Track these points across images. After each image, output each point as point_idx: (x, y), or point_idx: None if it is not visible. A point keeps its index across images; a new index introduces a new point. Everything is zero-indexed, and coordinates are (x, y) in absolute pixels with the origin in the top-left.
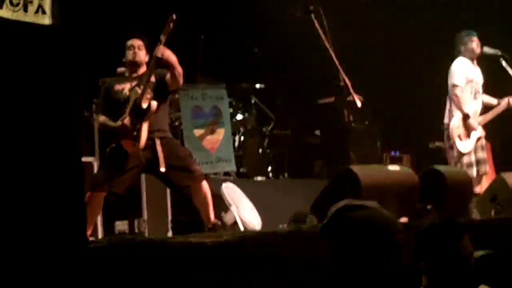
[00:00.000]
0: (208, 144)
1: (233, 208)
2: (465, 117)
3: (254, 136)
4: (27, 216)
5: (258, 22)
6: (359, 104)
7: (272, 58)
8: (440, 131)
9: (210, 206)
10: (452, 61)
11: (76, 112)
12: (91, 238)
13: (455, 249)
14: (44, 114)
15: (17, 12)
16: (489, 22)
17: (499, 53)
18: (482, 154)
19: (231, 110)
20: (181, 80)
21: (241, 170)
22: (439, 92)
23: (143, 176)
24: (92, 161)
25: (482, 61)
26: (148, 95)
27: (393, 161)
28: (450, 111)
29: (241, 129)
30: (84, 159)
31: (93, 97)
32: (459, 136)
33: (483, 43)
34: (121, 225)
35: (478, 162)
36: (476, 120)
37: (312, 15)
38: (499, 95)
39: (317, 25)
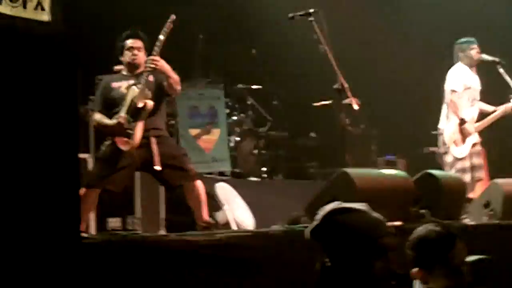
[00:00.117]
0: (203, 144)
1: (226, 208)
2: (462, 122)
3: (250, 137)
4: (23, 211)
5: (257, 24)
6: (356, 107)
7: (270, 60)
8: (435, 136)
9: (204, 205)
10: (450, 67)
11: (74, 109)
12: (84, 234)
13: (448, 257)
14: (42, 111)
15: (16, 8)
16: (487, 29)
17: (497, 60)
18: (477, 160)
19: (227, 110)
20: (178, 87)
21: (236, 170)
22: (435, 98)
23: (137, 174)
24: (87, 157)
25: (480, 68)
26: (147, 94)
27: (388, 165)
28: (447, 116)
29: (237, 130)
30: (79, 155)
31: (89, 94)
32: (455, 142)
33: (481, 50)
34: (114, 222)
35: (473, 168)
36: (473, 126)
37: (312, 18)
38: (496, 102)
39: (316, 28)
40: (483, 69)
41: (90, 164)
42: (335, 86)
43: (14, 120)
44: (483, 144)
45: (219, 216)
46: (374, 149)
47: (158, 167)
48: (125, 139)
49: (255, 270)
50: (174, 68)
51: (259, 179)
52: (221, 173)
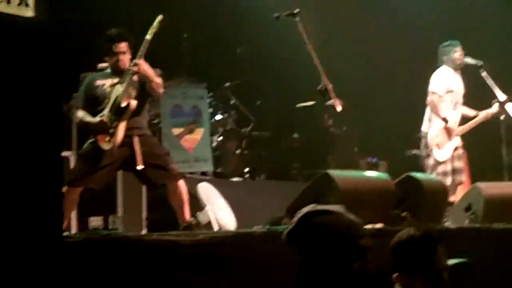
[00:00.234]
0: (186, 143)
1: (208, 208)
2: (444, 121)
3: (233, 137)
4: (5, 208)
5: (242, 23)
6: (339, 108)
7: (254, 60)
8: (417, 139)
9: (186, 205)
10: (433, 70)
11: (57, 106)
12: (65, 233)
13: (430, 262)
14: (26, 108)
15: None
16: (472, 32)
17: (480, 63)
18: (459, 164)
19: (210, 110)
20: (160, 90)
21: (218, 170)
22: (418, 100)
23: (119, 172)
24: (69, 155)
25: (464, 72)
26: (130, 94)
27: (370, 167)
28: (429, 119)
29: (220, 130)
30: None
31: (72, 91)
32: (437, 145)
33: (465, 53)
34: (95, 221)
35: (454, 171)
36: (456, 129)
37: (297, 18)
38: (480, 106)
39: (301, 28)
40: (469, 73)
41: (72, 162)
42: (319, 87)
43: None
44: (465, 148)
45: (201, 216)
46: (357, 151)
47: (140, 166)
48: (108, 138)
49: (237, 270)
50: (157, 66)
51: (241, 179)
52: (204, 173)
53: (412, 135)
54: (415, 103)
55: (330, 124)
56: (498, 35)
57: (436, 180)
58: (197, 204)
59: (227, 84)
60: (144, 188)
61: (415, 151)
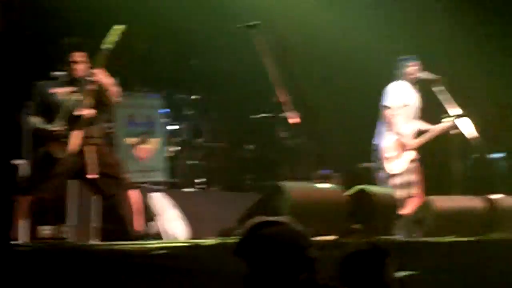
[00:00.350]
0: (140, 153)
1: (159, 218)
2: (398, 138)
3: (187, 147)
4: None
5: (197, 34)
6: (293, 121)
7: (209, 71)
8: (370, 152)
9: (137, 215)
10: (388, 83)
11: (9, 115)
12: (14, 242)
13: (378, 275)
14: None
15: None
16: (430, 47)
17: (434, 78)
18: (411, 177)
19: (165, 120)
20: (117, 99)
21: (171, 180)
22: (372, 114)
23: (70, 181)
24: (21, 164)
25: (423, 86)
26: (85, 102)
27: (323, 179)
28: (381, 133)
29: (174, 140)
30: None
31: (25, 99)
32: (389, 158)
33: (423, 68)
34: (45, 230)
35: (406, 185)
36: (410, 143)
37: (255, 30)
38: (437, 120)
39: (259, 40)
40: (428, 87)
41: (23, 171)
42: (275, 99)
43: None
44: (417, 161)
45: (152, 226)
46: (310, 163)
47: (92, 175)
48: (61, 146)
49: (187, 281)
50: (113, 76)
51: (195, 190)
52: (157, 183)
53: (365, 148)
54: (369, 116)
55: (285, 136)
56: (455, 50)
57: (387, 193)
58: (148, 214)
59: (182, 94)
60: (93, 198)
61: (367, 164)
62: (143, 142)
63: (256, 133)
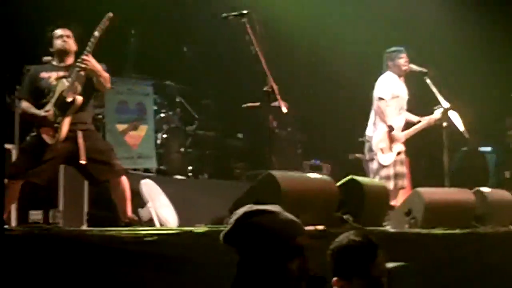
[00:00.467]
0: (130, 140)
1: (150, 205)
2: (390, 129)
3: (177, 135)
4: None
5: (190, 22)
6: (284, 110)
7: (200, 59)
8: (360, 143)
9: (128, 201)
10: (378, 75)
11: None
12: (5, 226)
13: (369, 267)
14: None
15: None
16: (416, 40)
17: (424, 70)
18: (401, 169)
19: (155, 107)
20: (108, 85)
21: (161, 167)
22: (361, 105)
23: (61, 167)
24: (11, 148)
25: (408, 78)
26: (76, 88)
27: (313, 169)
28: (374, 124)
29: (165, 127)
30: (3, 146)
31: (16, 83)
32: (382, 149)
33: (410, 60)
34: (35, 215)
35: (397, 176)
36: (400, 135)
37: (245, 19)
38: (422, 112)
39: (249, 29)
40: (412, 79)
41: (14, 155)
42: (265, 88)
43: None
44: (407, 154)
45: (143, 212)
46: (300, 152)
47: (83, 161)
48: (51, 132)
49: (178, 268)
50: (104, 62)
51: (184, 178)
52: (147, 170)
53: (355, 138)
54: (358, 107)
55: (275, 126)
56: (443, 43)
57: (378, 184)
58: (139, 201)
59: (173, 82)
60: (86, 183)
61: (358, 155)
62: (133, 128)
63: (246, 122)
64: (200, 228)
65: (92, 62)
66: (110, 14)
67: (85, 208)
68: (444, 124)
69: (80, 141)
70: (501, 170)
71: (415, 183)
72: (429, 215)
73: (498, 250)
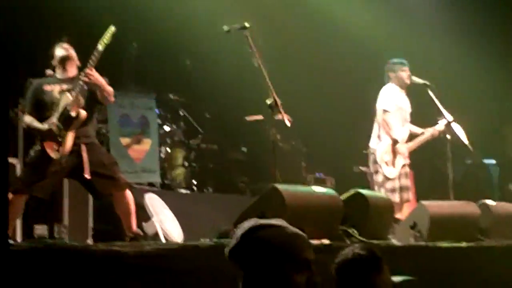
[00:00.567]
0: (134, 154)
1: (154, 219)
2: (394, 142)
3: (181, 148)
4: None
5: (192, 35)
6: (287, 123)
7: (203, 72)
8: (364, 155)
9: (132, 215)
10: (380, 87)
11: (3, 112)
12: (10, 241)
13: (374, 281)
14: None
15: None
16: (417, 52)
17: (427, 83)
18: (406, 182)
19: (159, 121)
20: (111, 98)
21: (165, 181)
22: (364, 117)
23: (66, 181)
24: (15, 163)
25: (410, 91)
26: (80, 102)
27: (317, 182)
28: (378, 136)
29: (168, 141)
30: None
31: (19, 97)
32: (386, 162)
33: (412, 73)
34: (40, 229)
35: (401, 189)
36: (404, 147)
37: (247, 32)
38: (423, 125)
39: (250, 42)
40: (413, 92)
41: (19, 169)
42: (268, 101)
43: None
44: (411, 166)
45: (148, 227)
46: (304, 166)
47: (87, 175)
48: (55, 146)
49: (183, 282)
50: (106, 75)
51: (188, 192)
52: (151, 184)
53: (359, 151)
54: (362, 119)
55: (278, 139)
56: (448, 55)
57: (382, 197)
58: (143, 215)
59: (176, 95)
60: (90, 197)
61: (363, 168)
62: (137, 142)
63: (250, 135)
64: (205, 242)
65: (95, 75)
66: (113, 28)
67: (90, 222)
68: (448, 137)
69: (84, 154)
70: (505, 182)
71: (419, 196)
72: (434, 228)
73: (503, 263)
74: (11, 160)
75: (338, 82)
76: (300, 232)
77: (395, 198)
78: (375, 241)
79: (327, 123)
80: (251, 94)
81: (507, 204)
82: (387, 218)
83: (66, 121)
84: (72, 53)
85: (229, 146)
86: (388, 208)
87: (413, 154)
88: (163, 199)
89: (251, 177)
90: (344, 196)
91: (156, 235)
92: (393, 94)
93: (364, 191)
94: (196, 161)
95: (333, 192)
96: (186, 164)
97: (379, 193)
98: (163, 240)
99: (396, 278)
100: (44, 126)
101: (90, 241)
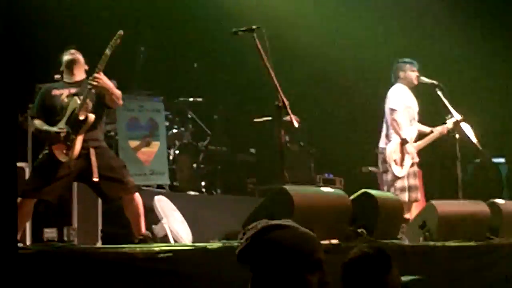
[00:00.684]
0: (142, 156)
1: (164, 221)
2: (403, 141)
3: (189, 150)
4: None
5: (200, 38)
6: (296, 124)
7: (211, 75)
8: (373, 155)
9: (141, 218)
10: (389, 87)
11: (12, 117)
12: (19, 244)
13: (383, 280)
14: None
15: None
16: (428, 50)
17: (436, 83)
18: (414, 181)
19: (167, 123)
20: (120, 102)
21: (174, 184)
22: (373, 117)
23: (75, 184)
24: (25, 166)
25: (417, 90)
26: (88, 106)
27: (326, 183)
28: (387, 136)
29: (176, 143)
30: (17, 164)
31: (28, 102)
32: (395, 161)
33: (420, 72)
34: (50, 233)
35: (410, 188)
36: (413, 146)
37: (254, 34)
38: (431, 124)
39: (258, 44)
40: (420, 92)
41: (28, 173)
42: (276, 103)
43: None
44: (420, 165)
45: (157, 229)
46: (313, 166)
47: (95, 179)
48: (64, 149)
49: (192, 284)
50: (114, 78)
51: (197, 193)
52: (160, 186)
53: (368, 151)
54: (370, 119)
55: (287, 140)
56: (452, 55)
57: (391, 197)
58: (153, 217)
59: (184, 98)
60: (99, 200)
61: (372, 168)
62: (146, 145)
63: (258, 137)
64: (214, 244)
65: (103, 79)
66: (121, 32)
67: (99, 225)
68: (457, 136)
69: (93, 158)
70: None
71: (428, 195)
72: (444, 227)
73: None
74: (20, 164)
75: (347, 82)
76: (311, 233)
77: (404, 197)
78: (384, 241)
79: (335, 124)
80: (259, 95)
81: None
82: (396, 217)
83: (75, 124)
84: (79, 57)
85: (237, 147)
86: (397, 207)
87: (422, 154)
88: (171, 201)
89: (259, 178)
90: (353, 196)
91: (165, 237)
92: (401, 93)
93: (372, 191)
94: (205, 163)
95: (341, 192)
96: (195, 166)
97: (388, 193)
98: (172, 243)
99: (406, 278)
100: (53, 129)
101: (99, 244)
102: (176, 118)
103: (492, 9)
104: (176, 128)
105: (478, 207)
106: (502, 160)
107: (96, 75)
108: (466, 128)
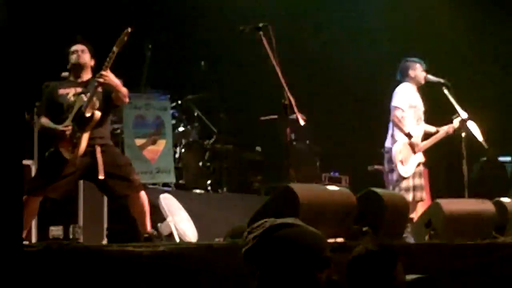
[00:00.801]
0: (148, 154)
1: (169, 219)
2: (408, 136)
3: (195, 149)
4: None
5: (206, 36)
6: (302, 122)
7: (218, 72)
8: (379, 154)
9: (147, 216)
10: (395, 85)
11: (19, 115)
12: (25, 242)
13: (388, 278)
14: None
15: None
16: (435, 49)
17: (442, 81)
18: (419, 181)
19: (173, 121)
20: (126, 100)
21: (180, 182)
22: (379, 116)
23: (81, 182)
24: (31, 164)
25: (425, 89)
26: (94, 104)
27: (332, 181)
28: (393, 135)
29: (183, 141)
30: (23, 162)
31: (35, 100)
32: (401, 161)
33: (426, 71)
34: (55, 230)
35: (415, 188)
36: (419, 145)
37: (261, 32)
38: (437, 123)
39: (265, 42)
40: (426, 90)
41: (34, 171)
42: (282, 101)
43: None
44: (426, 165)
45: (163, 227)
46: (318, 165)
47: (101, 176)
48: (70, 147)
49: (198, 282)
50: (121, 76)
51: (203, 192)
52: (165, 184)
53: (374, 150)
54: (377, 118)
55: (293, 138)
56: (459, 53)
57: (397, 195)
58: (158, 215)
59: (191, 96)
60: (105, 198)
61: (378, 167)
62: (152, 143)
63: (264, 135)
64: (220, 242)
65: (110, 77)
66: (128, 29)
67: (105, 223)
68: (463, 134)
69: (99, 156)
70: None
71: (434, 194)
72: (449, 226)
73: None
74: (26, 162)
75: (353, 81)
76: (317, 231)
77: (409, 197)
78: (389, 239)
79: (341, 122)
80: (265, 93)
81: None
82: (401, 216)
83: (81, 122)
84: (85, 57)
85: (243, 146)
86: (403, 206)
87: (428, 153)
88: (177, 200)
89: (266, 176)
90: (358, 195)
91: (171, 235)
92: (407, 92)
93: (378, 190)
94: (211, 161)
95: (347, 191)
96: (201, 164)
97: (394, 192)
98: (178, 241)
99: (410, 277)
100: (59, 126)
101: (105, 242)
102: (182, 116)
103: (504, 5)
104: (182, 126)
105: (484, 205)
106: (508, 158)
107: (103, 72)
108: (472, 126)
